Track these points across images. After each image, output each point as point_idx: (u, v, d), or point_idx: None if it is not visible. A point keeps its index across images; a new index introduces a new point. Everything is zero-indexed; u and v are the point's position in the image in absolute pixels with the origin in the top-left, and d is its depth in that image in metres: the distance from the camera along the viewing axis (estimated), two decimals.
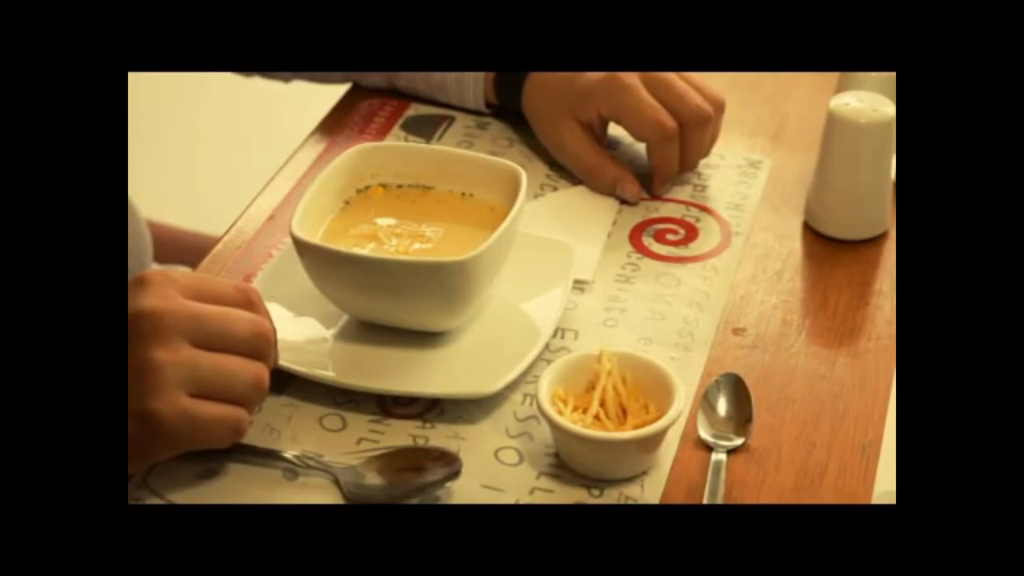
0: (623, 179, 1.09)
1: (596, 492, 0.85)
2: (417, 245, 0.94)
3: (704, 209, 1.09)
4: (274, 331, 0.84)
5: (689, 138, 1.08)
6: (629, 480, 0.86)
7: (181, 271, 0.84)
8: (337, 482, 0.84)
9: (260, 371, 0.81)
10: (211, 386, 0.79)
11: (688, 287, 1.01)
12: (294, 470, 0.86)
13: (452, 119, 1.18)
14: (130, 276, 0.79)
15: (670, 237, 1.06)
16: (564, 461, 0.87)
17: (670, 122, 1.06)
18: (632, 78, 1.07)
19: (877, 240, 1.06)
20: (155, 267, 1.28)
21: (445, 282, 0.89)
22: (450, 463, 0.84)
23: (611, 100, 1.07)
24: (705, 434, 0.88)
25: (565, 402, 0.87)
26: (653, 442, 0.85)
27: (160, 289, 0.79)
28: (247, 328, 0.81)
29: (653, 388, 0.87)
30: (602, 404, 0.87)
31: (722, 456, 0.86)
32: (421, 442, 0.88)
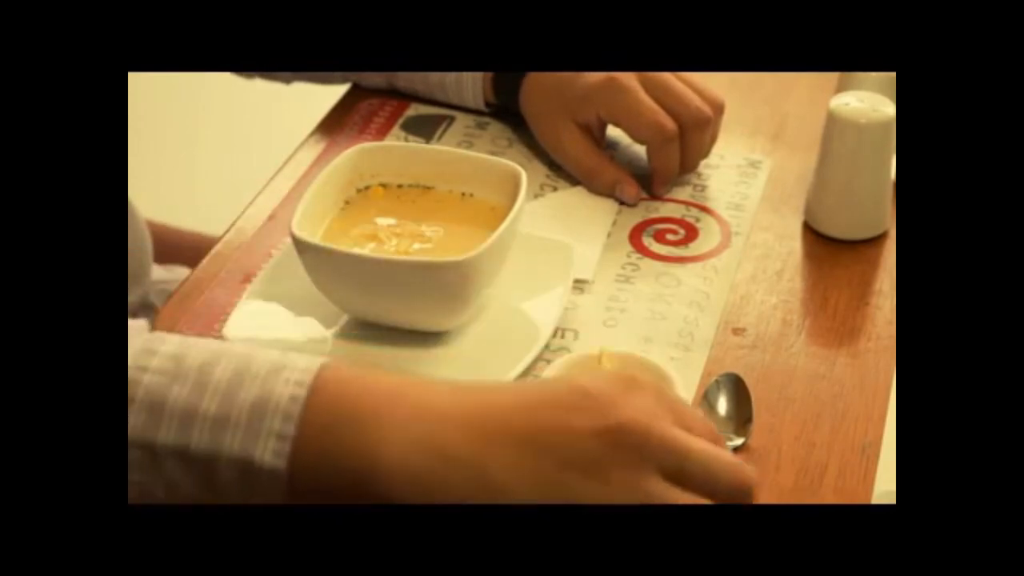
0: (622, 181, 1.09)
1: None
2: (417, 245, 0.94)
3: (704, 209, 1.09)
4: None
5: (689, 140, 1.08)
6: None
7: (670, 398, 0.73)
8: None
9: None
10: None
11: (688, 287, 1.01)
12: None
13: (452, 119, 1.18)
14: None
15: (670, 237, 1.06)
16: None
17: (670, 124, 1.06)
18: (631, 80, 1.07)
19: (877, 240, 1.06)
20: (156, 269, 1.27)
21: (445, 282, 0.89)
22: None
23: (610, 102, 1.07)
24: None
25: None
26: None
27: (651, 404, 0.70)
28: (729, 470, 0.72)
29: None
30: None
31: None
32: None
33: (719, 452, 0.72)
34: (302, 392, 0.70)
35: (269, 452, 0.70)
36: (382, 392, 0.71)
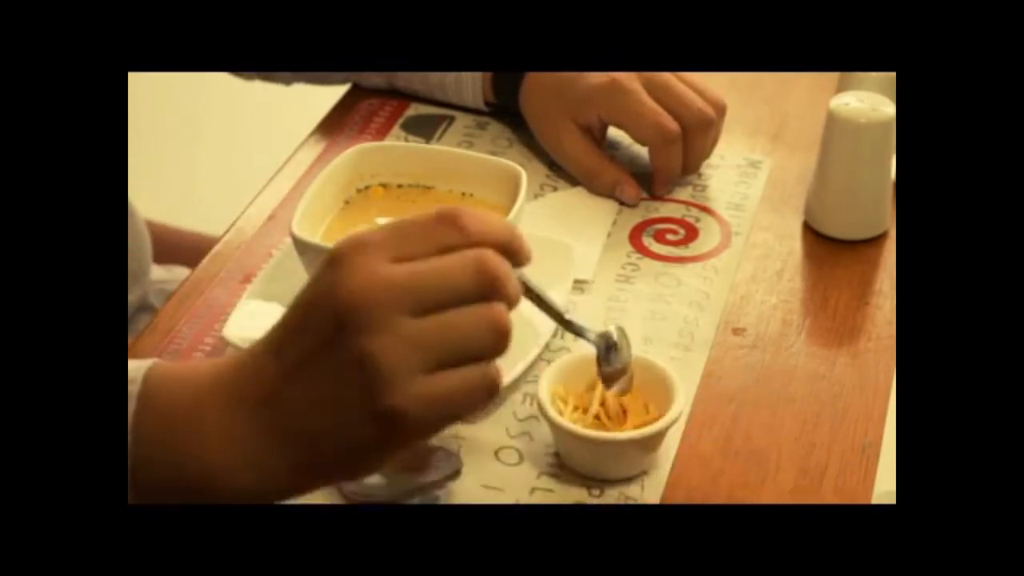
0: (622, 181, 1.09)
1: (596, 492, 0.85)
2: None
3: (704, 209, 1.09)
4: (509, 238, 0.69)
5: (691, 141, 1.08)
6: (629, 480, 0.86)
7: (371, 230, 0.68)
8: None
9: (494, 314, 0.68)
10: (446, 355, 0.66)
11: (688, 287, 1.01)
12: None
13: (452, 119, 1.18)
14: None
15: (670, 237, 1.06)
16: (564, 461, 0.87)
17: (672, 125, 1.06)
18: (633, 81, 1.07)
19: (877, 240, 1.06)
20: (155, 269, 1.27)
21: None
22: (450, 463, 0.84)
23: (612, 104, 1.07)
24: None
25: (565, 402, 0.87)
26: (653, 442, 0.85)
27: (358, 268, 0.66)
28: (469, 273, 0.67)
29: (653, 388, 0.87)
30: (602, 404, 0.87)
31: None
32: (421, 442, 0.88)
33: (444, 259, 0.67)
34: (132, 405, 0.70)
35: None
36: (198, 394, 0.71)
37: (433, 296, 0.66)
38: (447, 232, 0.68)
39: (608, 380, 0.83)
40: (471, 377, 0.67)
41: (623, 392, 0.84)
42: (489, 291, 0.68)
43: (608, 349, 0.82)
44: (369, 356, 0.65)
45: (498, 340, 0.68)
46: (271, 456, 0.69)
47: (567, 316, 0.77)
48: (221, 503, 0.71)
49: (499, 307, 0.68)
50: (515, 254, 0.70)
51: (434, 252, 0.67)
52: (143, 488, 0.70)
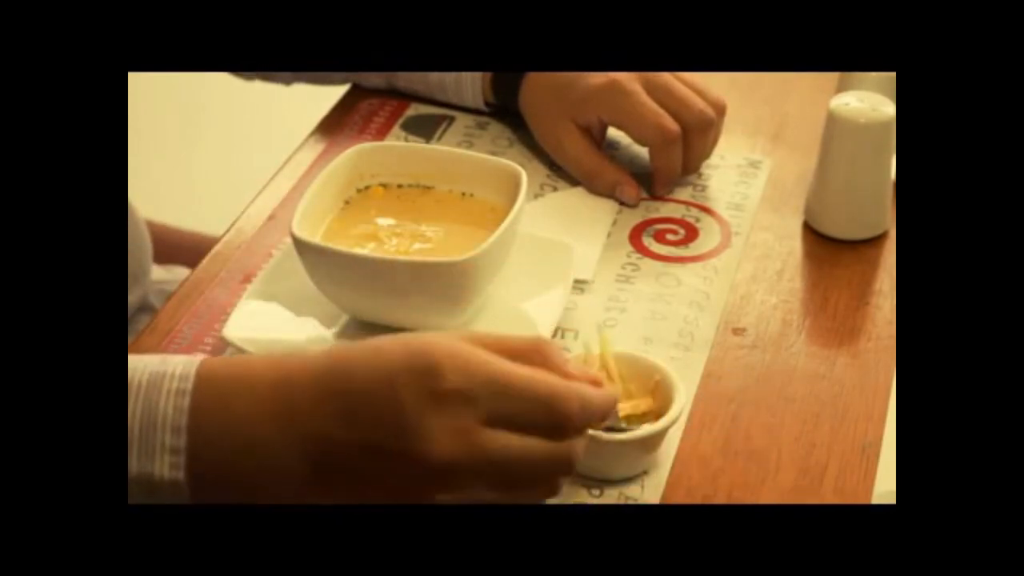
0: (622, 182, 1.09)
1: (596, 492, 0.85)
2: (417, 245, 0.94)
3: (704, 209, 1.09)
4: (604, 417, 0.75)
5: (692, 142, 1.08)
6: (629, 480, 0.86)
7: (474, 361, 0.72)
8: None
9: (553, 494, 0.75)
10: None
11: (688, 287, 1.01)
12: None
13: (452, 119, 1.18)
14: (363, 363, 0.72)
15: (670, 237, 1.06)
16: None
17: (673, 126, 1.06)
18: (633, 82, 1.07)
19: (877, 240, 1.06)
20: (155, 269, 1.27)
21: (445, 282, 0.89)
22: None
23: (612, 105, 1.07)
24: None
25: None
26: (653, 442, 0.85)
27: (455, 421, 0.70)
28: (552, 470, 0.73)
29: (653, 388, 0.87)
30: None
31: None
32: None
33: (542, 377, 0.72)
34: (184, 402, 0.72)
35: (167, 467, 0.72)
36: (254, 384, 0.73)
37: (511, 479, 0.72)
38: (550, 420, 0.72)
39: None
40: None
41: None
42: (558, 481, 0.74)
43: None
44: (433, 499, 0.73)
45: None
46: (305, 479, 0.73)
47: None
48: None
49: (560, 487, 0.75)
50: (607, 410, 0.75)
51: (529, 427, 0.71)
52: (196, 470, 0.73)
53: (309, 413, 0.72)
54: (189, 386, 0.72)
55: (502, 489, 0.73)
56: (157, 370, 0.73)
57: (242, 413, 0.73)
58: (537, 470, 0.72)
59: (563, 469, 0.73)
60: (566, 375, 0.74)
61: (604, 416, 0.75)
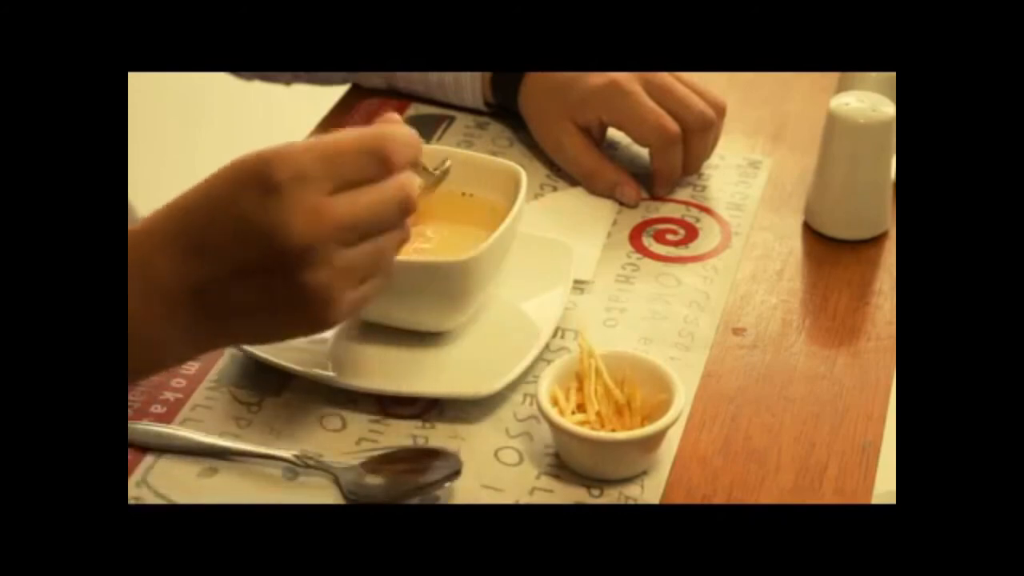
0: (622, 182, 1.09)
1: (596, 492, 0.85)
2: (417, 245, 0.94)
3: (704, 209, 1.09)
4: (417, 151, 0.80)
5: (692, 143, 1.08)
6: (629, 480, 0.86)
7: (302, 150, 0.76)
8: (337, 482, 0.85)
9: (404, 234, 0.80)
10: (371, 272, 0.78)
11: (688, 287, 1.01)
12: (294, 470, 0.86)
13: (452, 119, 1.18)
14: (252, 175, 0.75)
15: (670, 237, 1.06)
16: (564, 461, 0.87)
17: (673, 127, 1.06)
18: (633, 83, 1.07)
19: (877, 240, 1.06)
20: None
21: (445, 282, 0.89)
22: (450, 463, 0.84)
23: (612, 106, 1.07)
24: None
25: (566, 402, 0.87)
26: (653, 442, 0.85)
27: (301, 203, 0.74)
28: (396, 208, 0.78)
29: (653, 388, 0.87)
30: (597, 408, 0.86)
31: None
32: (421, 442, 0.88)
33: (377, 197, 0.77)
34: None
35: None
36: None
37: (366, 230, 0.77)
38: (375, 165, 0.77)
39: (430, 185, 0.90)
40: (379, 283, 0.79)
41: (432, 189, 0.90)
42: (405, 218, 0.79)
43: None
44: (314, 286, 0.75)
45: (402, 246, 0.80)
46: (206, 332, 0.77)
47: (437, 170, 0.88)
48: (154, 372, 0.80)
49: (407, 225, 0.80)
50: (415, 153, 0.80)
51: (363, 182, 0.77)
52: None
53: (162, 267, 0.75)
54: None
55: (361, 244, 0.76)
56: None
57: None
58: (384, 214, 0.77)
59: (405, 203, 0.78)
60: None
61: (417, 151, 0.80)
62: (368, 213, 0.76)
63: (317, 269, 0.74)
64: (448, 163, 0.90)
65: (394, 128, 0.79)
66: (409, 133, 0.80)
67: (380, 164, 0.77)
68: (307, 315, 0.76)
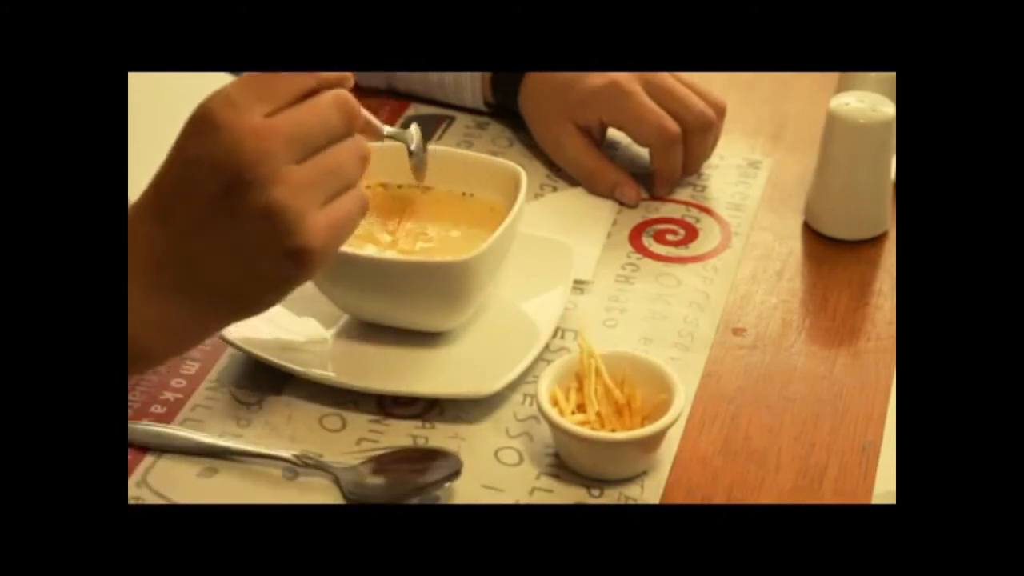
0: (622, 183, 1.09)
1: (596, 492, 0.85)
2: (417, 245, 0.94)
3: (704, 209, 1.09)
4: (342, 75, 0.79)
5: (692, 143, 1.08)
6: (629, 480, 0.86)
7: (229, 84, 0.76)
8: (337, 482, 0.85)
9: (360, 146, 0.77)
10: (332, 188, 0.75)
11: (688, 287, 1.01)
12: (294, 470, 0.86)
13: (452, 119, 1.18)
14: (190, 122, 0.75)
15: (670, 237, 1.06)
16: (564, 461, 0.87)
17: (673, 127, 1.06)
18: (633, 83, 1.07)
19: (877, 240, 1.06)
20: None
21: (445, 282, 0.89)
22: (450, 463, 0.84)
23: (613, 106, 1.07)
24: None
25: (566, 402, 0.87)
26: (653, 442, 0.85)
27: (240, 126, 0.73)
28: (336, 114, 0.76)
29: (653, 388, 0.87)
30: (597, 408, 0.87)
31: None
32: (421, 442, 0.88)
33: (315, 103, 0.75)
34: None
35: None
36: None
37: (313, 141, 0.74)
38: (307, 81, 0.76)
39: (418, 169, 0.90)
40: (351, 202, 0.76)
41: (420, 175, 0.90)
42: (351, 125, 0.77)
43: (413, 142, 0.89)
44: (273, 206, 0.72)
45: (364, 166, 0.77)
46: (179, 312, 0.75)
47: (386, 132, 0.85)
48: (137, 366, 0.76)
49: (361, 138, 0.78)
50: (341, 80, 0.78)
51: (296, 100, 0.75)
52: None
53: (138, 242, 0.74)
54: None
55: (313, 157, 0.74)
56: None
57: None
58: (328, 121, 0.75)
59: (345, 106, 0.76)
60: None
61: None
62: (311, 122, 0.74)
63: (272, 187, 0.72)
64: (413, 126, 0.90)
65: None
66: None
67: (311, 79, 0.76)
68: (278, 250, 0.73)
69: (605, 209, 1.09)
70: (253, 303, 0.77)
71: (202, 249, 0.73)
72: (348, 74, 0.79)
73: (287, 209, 0.72)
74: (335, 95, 0.76)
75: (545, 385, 0.86)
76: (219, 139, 0.73)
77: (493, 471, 0.86)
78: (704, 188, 1.11)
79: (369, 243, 0.94)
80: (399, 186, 0.98)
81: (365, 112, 0.79)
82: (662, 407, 0.86)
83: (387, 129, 0.84)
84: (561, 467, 0.87)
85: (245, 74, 0.76)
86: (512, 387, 0.91)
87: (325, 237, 0.74)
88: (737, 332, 0.97)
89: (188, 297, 0.74)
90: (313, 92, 0.76)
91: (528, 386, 0.92)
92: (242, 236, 0.73)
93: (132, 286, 0.73)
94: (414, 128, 0.90)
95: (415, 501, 0.84)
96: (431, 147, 1.10)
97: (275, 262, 0.73)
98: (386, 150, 1.00)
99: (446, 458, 0.85)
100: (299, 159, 0.73)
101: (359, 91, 1.20)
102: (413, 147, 0.89)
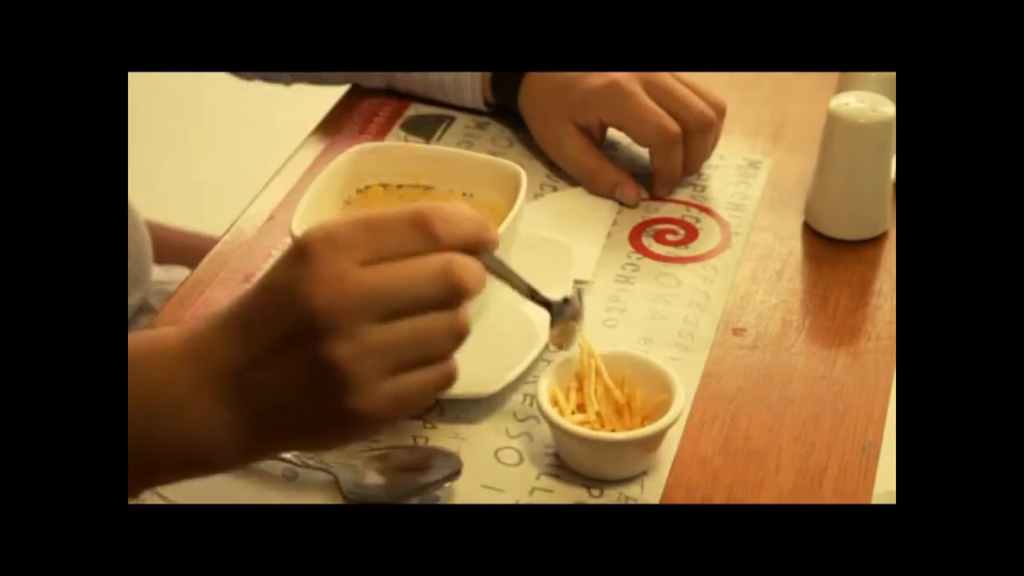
0: (622, 183, 1.09)
1: (596, 492, 0.85)
2: None
3: (704, 209, 1.09)
4: (476, 233, 0.71)
5: (692, 143, 1.08)
6: (629, 480, 0.86)
7: (343, 222, 0.70)
8: (337, 482, 0.84)
9: (457, 322, 0.70)
10: (409, 359, 0.69)
11: (688, 287, 1.01)
12: (294, 470, 0.86)
13: (452, 119, 1.18)
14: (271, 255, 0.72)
15: (670, 237, 1.06)
16: (564, 461, 0.87)
17: (673, 127, 1.06)
18: (633, 83, 1.07)
19: (877, 240, 1.06)
20: (155, 270, 1.27)
21: None
22: (450, 463, 0.84)
23: (613, 106, 1.07)
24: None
25: (566, 402, 0.87)
26: (653, 442, 0.85)
27: (327, 268, 0.68)
28: (436, 283, 0.69)
29: (653, 388, 0.87)
30: (597, 408, 0.87)
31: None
32: (421, 442, 0.88)
33: (413, 266, 0.69)
34: None
35: None
36: (170, 365, 0.72)
37: (400, 305, 0.69)
38: (418, 238, 0.70)
39: (558, 339, 0.85)
40: (430, 376, 0.71)
41: (562, 345, 0.86)
42: (454, 299, 0.70)
43: (563, 310, 0.84)
44: (336, 362, 0.68)
45: (458, 343, 0.71)
46: (245, 428, 0.71)
47: (534, 289, 0.80)
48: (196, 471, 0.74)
49: (462, 313, 0.71)
50: (484, 246, 0.72)
51: (403, 256, 0.69)
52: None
53: (214, 349, 0.71)
54: None
55: (396, 322, 0.69)
56: None
57: (159, 376, 0.72)
58: (424, 289, 0.69)
59: (451, 278, 0.69)
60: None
61: (475, 228, 0.71)
62: (404, 285, 0.69)
63: (340, 342, 0.68)
64: (577, 295, 0.85)
65: (445, 203, 0.71)
66: (463, 209, 0.71)
67: (423, 237, 0.69)
68: (332, 401, 0.68)
69: (605, 209, 1.09)
70: (315, 442, 0.75)
71: (266, 378, 0.70)
72: (494, 237, 0.73)
73: (348, 370, 0.68)
74: (446, 262, 0.69)
75: (545, 385, 0.87)
76: (304, 274, 0.68)
77: (493, 471, 0.86)
78: (704, 188, 1.11)
79: None
80: (399, 186, 0.98)
81: (497, 264, 0.75)
82: (662, 407, 0.86)
83: (538, 292, 0.81)
84: (561, 467, 0.87)
85: (363, 213, 0.71)
86: (512, 387, 0.91)
87: (386, 407, 0.69)
88: (737, 332, 0.97)
89: (253, 417, 0.71)
90: (434, 249, 0.70)
91: (528, 386, 0.92)
92: (300, 380, 0.69)
93: (202, 393, 0.71)
94: (575, 293, 0.85)
95: (415, 501, 0.84)
96: (432, 147, 1.11)
97: (328, 416, 0.70)
98: (386, 150, 1.00)
99: (446, 458, 0.85)
100: (380, 319, 0.68)
101: (359, 91, 1.21)
102: (567, 318, 0.84)
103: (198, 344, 0.72)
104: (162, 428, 0.71)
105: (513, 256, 0.93)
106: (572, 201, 1.09)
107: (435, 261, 0.69)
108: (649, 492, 0.85)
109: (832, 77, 1.16)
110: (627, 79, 1.07)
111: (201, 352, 0.71)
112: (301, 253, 0.69)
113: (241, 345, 0.71)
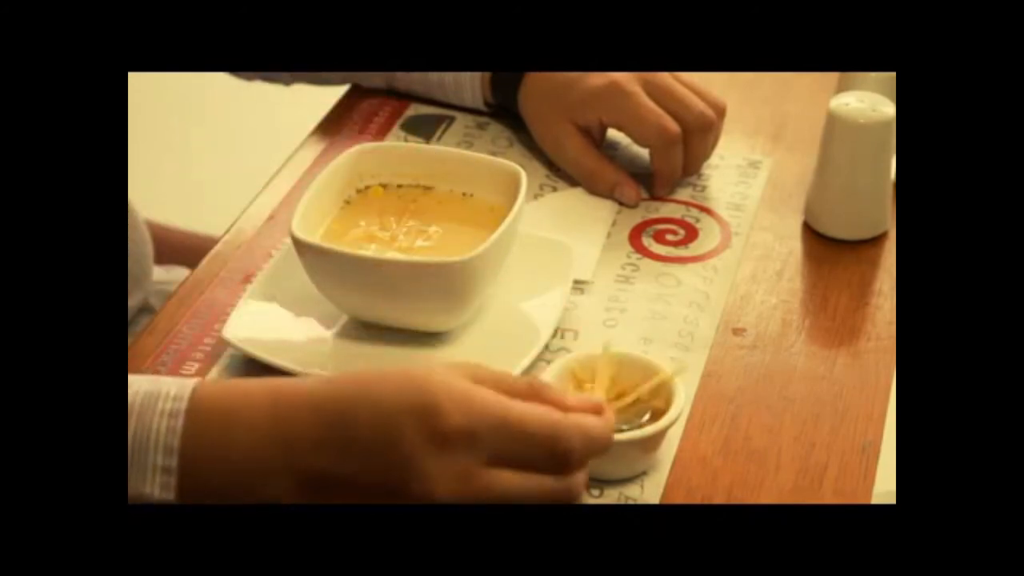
0: (622, 183, 1.09)
1: (596, 492, 0.85)
2: (418, 244, 0.94)
3: (704, 209, 1.09)
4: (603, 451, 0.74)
5: (692, 143, 1.08)
6: (629, 480, 0.86)
7: (478, 403, 0.72)
8: None
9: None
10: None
11: (688, 287, 1.01)
12: None
13: (452, 119, 1.18)
14: (398, 411, 0.71)
15: (670, 237, 1.06)
16: None
17: (674, 127, 1.06)
18: (633, 84, 1.07)
19: (877, 240, 1.06)
20: (155, 270, 1.27)
21: (445, 282, 0.89)
22: None
23: (613, 107, 1.07)
24: None
25: None
26: (653, 442, 0.85)
27: (456, 466, 0.71)
28: (548, 500, 0.73)
29: (653, 388, 0.87)
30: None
31: None
32: None
33: (543, 412, 0.72)
34: (177, 423, 0.72)
35: (158, 487, 0.73)
36: (252, 411, 0.73)
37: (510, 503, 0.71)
38: (551, 463, 0.72)
39: None
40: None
41: None
42: (563, 456, 0.72)
43: None
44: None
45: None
46: (303, 499, 0.73)
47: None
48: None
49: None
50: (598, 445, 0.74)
51: (531, 469, 0.72)
52: (188, 491, 0.74)
53: (308, 447, 0.72)
54: (183, 406, 0.72)
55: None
56: (150, 390, 0.73)
57: (240, 440, 0.73)
58: (533, 502, 0.72)
59: (564, 501, 0.73)
60: (565, 408, 0.74)
61: (606, 446, 0.74)
62: (519, 496, 0.72)
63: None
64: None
65: (587, 421, 0.73)
66: (605, 432, 0.74)
67: (553, 459, 0.72)
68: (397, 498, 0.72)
69: (605, 209, 1.09)
70: None
71: (351, 493, 0.73)
72: (607, 439, 0.74)
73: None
74: (565, 488, 0.73)
75: None
76: (432, 457, 0.71)
77: None
78: (704, 188, 1.11)
79: (370, 243, 0.94)
80: (399, 186, 0.98)
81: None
82: (662, 407, 0.86)
83: None
84: None
85: (498, 400, 0.72)
86: None
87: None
88: (737, 332, 0.97)
89: (322, 500, 0.73)
90: (560, 474, 0.72)
91: None
92: (371, 491, 0.72)
93: (284, 478, 0.73)
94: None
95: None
96: (432, 147, 1.11)
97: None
98: (386, 150, 1.00)
99: None
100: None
101: (359, 91, 1.21)
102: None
103: (289, 426, 0.73)
104: (233, 485, 0.73)
105: (513, 256, 0.94)
106: (572, 201, 1.09)
107: (562, 488, 0.72)
108: (649, 492, 0.85)
109: (832, 77, 1.16)
110: (627, 79, 1.07)
111: (291, 436, 0.72)
112: (436, 434, 0.70)
113: (334, 460, 0.72)
